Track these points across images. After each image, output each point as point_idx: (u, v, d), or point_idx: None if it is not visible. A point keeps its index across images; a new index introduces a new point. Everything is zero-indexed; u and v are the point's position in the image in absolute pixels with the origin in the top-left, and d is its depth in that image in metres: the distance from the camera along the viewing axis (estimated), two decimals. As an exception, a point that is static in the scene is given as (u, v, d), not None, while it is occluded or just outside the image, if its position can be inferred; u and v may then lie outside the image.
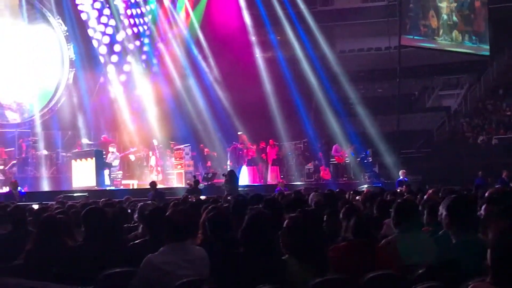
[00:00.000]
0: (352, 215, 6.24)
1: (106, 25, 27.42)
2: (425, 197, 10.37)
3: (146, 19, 28.84)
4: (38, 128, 25.65)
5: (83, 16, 26.93)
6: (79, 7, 26.84)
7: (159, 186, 23.33)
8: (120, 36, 27.75)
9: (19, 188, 18.08)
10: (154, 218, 6.06)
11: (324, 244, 5.34)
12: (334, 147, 26.45)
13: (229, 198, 12.82)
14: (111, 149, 23.54)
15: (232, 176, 20.27)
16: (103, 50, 27.35)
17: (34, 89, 26.25)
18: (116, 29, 27.64)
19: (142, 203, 8.49)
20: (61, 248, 5.56)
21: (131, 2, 28.39)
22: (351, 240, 5.64)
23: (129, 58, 28.05)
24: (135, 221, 8.32)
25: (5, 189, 19.89)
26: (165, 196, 16.82)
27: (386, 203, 8.26)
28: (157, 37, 29.07)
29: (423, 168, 25.63)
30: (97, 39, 27.21)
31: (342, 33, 34.03)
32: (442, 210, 6.91)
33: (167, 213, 5.39)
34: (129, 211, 9.48)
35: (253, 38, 30.82)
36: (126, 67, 27.98)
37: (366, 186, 22.26)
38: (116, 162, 23.70)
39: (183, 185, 23.41)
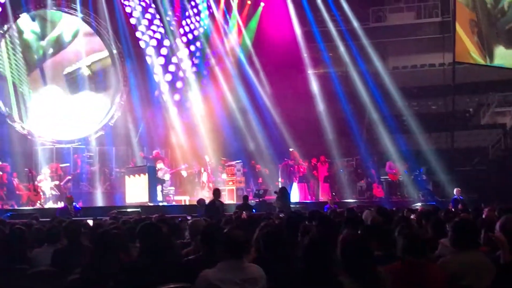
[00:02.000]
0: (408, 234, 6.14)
1: (160, 43, 27.79)
2: (483, 216, 10.17)
3: (198, 35, 29.13)
4: (93, 144, 26.09)
5: (138, 35, 27.39)
6: (132, 21, 27.28)
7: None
8: (174, 59, 28.11)
9: (74, 203, 18.32)
10: (208, 234, 6.07)
11: (380, 263, 5.26)
12: (387, 164, 26.21)
13: (281, 215, 12.78)
14: (158, 165, 23.74)
15: (284, 193, 20.16)
16: (157, 68, 27.73)
17: (89, 106, 26.80)
18: (170, 48, 28.00)
19: (193, 220, 8.51)
20: (116, 263, 5.60)
21: (184, 19, 28.74)
22: (403, 259, 5.52)
23: (181, 73, 28.36)
24: (188, 237, 8.32)
25: (60, 204, 20.23)
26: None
27: (441, 222, 8.12)
28: (210, 54, 29.33)
29: (479, 186, 25.14)
30: (149, 55, 27.62)
31: (395, 50, 33.75)
32: (497, 229, 6.77)
33: (226, 230, 5.38)
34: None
35: (305, 55, 30.85)
36: (178, 84, 28.29)
37: (420, 204, 21.96)
38: (167, 176, 23.90)
39: (235, 202, 23.46)
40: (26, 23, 25.36)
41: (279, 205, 19.27)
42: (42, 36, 25.77)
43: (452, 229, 6.01)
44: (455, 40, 27.46)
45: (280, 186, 22.87)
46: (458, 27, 27.50)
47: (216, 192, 17.04)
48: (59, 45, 26.15)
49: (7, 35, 24.59)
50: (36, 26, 25.65)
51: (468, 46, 27.89)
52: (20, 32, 25.13)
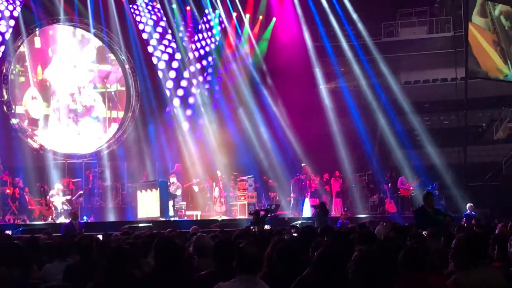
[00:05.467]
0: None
1: (171, 57, 27.92)
2: (496, 231, 10.11)
3: (211, 47, 29.23)
4: (105, 159, 26.16)
5: (149, 50, 27.53)
6: (144, 36, 27.43)
7: (223, 217, 23.50)
8: (186, 73, 28.23)
9: (85, 218, 18.32)
10: (220, 250, 6.06)
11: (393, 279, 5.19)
12: (399, 179, 26.10)
13: (293, 230, 12.74)
14: (171, 179, 23.75)
15: (323, 209, 19.85)
16: (169, 84, 27.83)
17: (101, 121, 26.96)
18: (182, 63, 28.12)
19: (198, 235, 8.47)
20: (129, 279, 5.58)
21: (196, 34, 28.88)
22: (403, 274, 5.36)
23: (194, 90, 28.44)
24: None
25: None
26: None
27: (452, 237, 8.03)
28: (222, 69, 29.42)
29: (492, 202, 25.01)
30: (162, 70, 27.74)
31: (407, 64, 33.72)
32: (510, 246, 6.70)
33: (241, 245, 5.37)
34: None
35: (317, 69, 30.88)
36: (190, 100, 28.37)
37: (432, 219, 21.79)
38: (178, 192, 23.87)
39: (246, 217, 23.40)
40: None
41: (319, 221, 18.90)
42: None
43: (461, 245, 5.85)
44: (476, 52, 27.87)
45: (319, 202, 22.46)
46: (484, 43, 28.12)
47: (429, 197, 13.62)
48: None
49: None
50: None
51: (496, 62, 28.54)
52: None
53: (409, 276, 5.20)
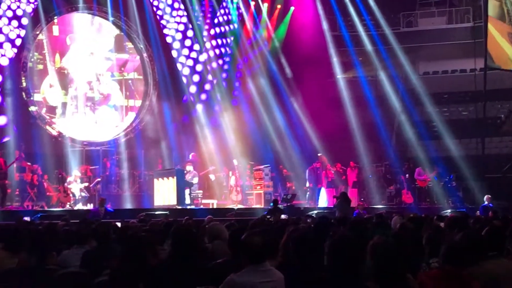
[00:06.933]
0: (436, 241, 6.06)
1: (189, 48, 27.93)
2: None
3: (228, 40, 29.22)
4: (122, 147, 26.27)
5: (168, 39, 27.55)
6: (164, 30, 27.47)
7: (239, 206, 23.55)
8: (202, 57, 28.23)
9: (109, 205, 18.58)
10: (236, 238, 6.08)
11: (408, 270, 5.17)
12: (416, 170, 25.98)
13: (308, 220, 12.74)
14: (188, 168, 23.79)
15: (346, 198, 19.80)
16: (186, 71, 27.85)
17: (118, 109, 27.06)
18: (199, 50, 28.12)
19: (211, 223, 8.51)
20: (145, 266, 5.61)
21: (214, 23, 28.84)
22: (442, 267, 5.40)
23: (210, 77, 28.43)
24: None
25: (90, 206, 20.44)
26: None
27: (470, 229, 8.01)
28: (239, 58, 29.40)
29: (509, 193, 24.84)
30: (181, 63, 27.74)
31: (426, 55, 33.45)
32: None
33: (242, 237, 5.38)
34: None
35: (334, 59, 30.76)
36: (207, 86, 28.37)
37: (449, 211, 21.74)
38: (195, 180, 23.91)
39: (262, 206, 23.43)
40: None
41: (340, 209, 18.87)
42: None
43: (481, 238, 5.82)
44: (489, 46, 27.49)
45: (341, 191, 22.41)
46: (498, 36, 27.90)
47: None
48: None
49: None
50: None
51: (509, 53, 28.10)
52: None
53: (447, 270, 5.22)
